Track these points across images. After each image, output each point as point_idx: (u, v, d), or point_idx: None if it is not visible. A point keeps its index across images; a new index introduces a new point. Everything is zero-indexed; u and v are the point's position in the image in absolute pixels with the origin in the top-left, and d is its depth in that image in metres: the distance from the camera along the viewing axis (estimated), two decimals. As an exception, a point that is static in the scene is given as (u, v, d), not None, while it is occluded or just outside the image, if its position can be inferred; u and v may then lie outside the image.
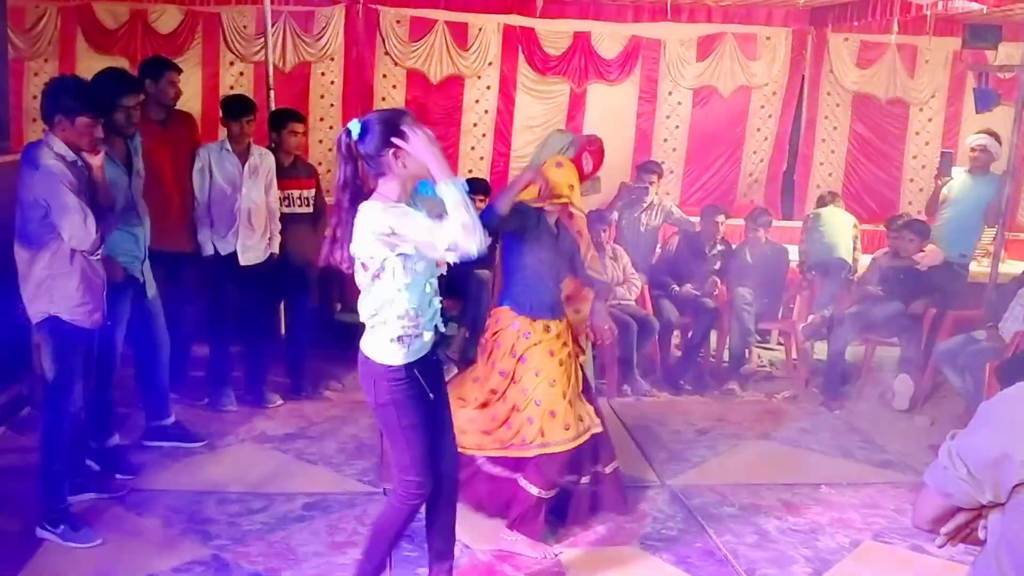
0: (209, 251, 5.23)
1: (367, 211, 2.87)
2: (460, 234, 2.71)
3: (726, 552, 3.97)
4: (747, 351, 6.49)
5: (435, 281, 3.05)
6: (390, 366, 2.99)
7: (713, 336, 6.71)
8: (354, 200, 2.92)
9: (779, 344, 7.44)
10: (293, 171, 5.56)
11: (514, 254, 3.94)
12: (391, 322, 2.95)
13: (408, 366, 3.00)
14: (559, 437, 3.80)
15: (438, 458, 3.15)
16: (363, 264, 2.93)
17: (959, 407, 5.78)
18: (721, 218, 6.73)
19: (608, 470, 4.11)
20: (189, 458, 4.71)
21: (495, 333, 3.97)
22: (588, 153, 4.28)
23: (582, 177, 4.13)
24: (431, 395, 3.06)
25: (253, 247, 5.29)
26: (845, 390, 6.22)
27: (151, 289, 4.55)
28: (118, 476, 4.34)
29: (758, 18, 8.58)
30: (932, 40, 8.19)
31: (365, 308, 3.00)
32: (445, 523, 3.32)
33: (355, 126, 2.89)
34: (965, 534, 1.72)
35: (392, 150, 2.86)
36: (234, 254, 5.24)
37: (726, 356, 6.61)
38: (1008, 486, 1.59)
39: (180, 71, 5.21)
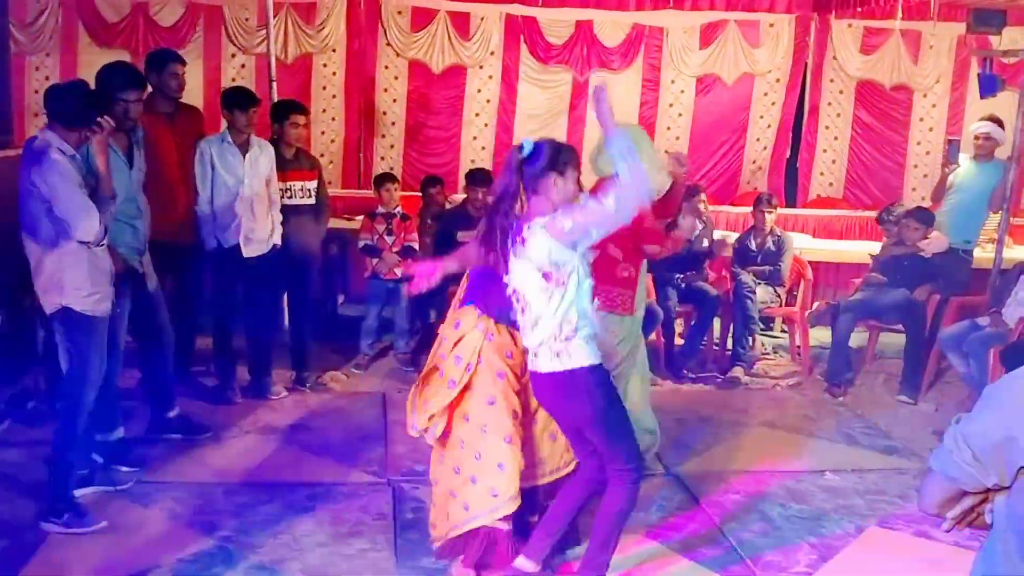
0: (212, 244, 5.23)
1: (552, 219, 3.04)
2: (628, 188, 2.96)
3: (731, 539, 3.97)
4: (750, 338, 6.48)
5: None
6: (594, 366, 3.13)
7: (717, 324, 6.70)
8: (509, 211, 3.09)
9: (783, 331, 7.43)
10: (295, 163, 5.54)
11: None
12: (579, 326, 3.08)
13: (601, 364, 3.18)
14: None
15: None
16: (546, 275, 3.05)
17: (963, 393, 5.78)
18: (702, 196, 6.69)
19: None
20: (194, 450, 4.71)
21: (458, 342, 3.48)
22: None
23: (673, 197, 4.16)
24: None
25: (256, 239, 5.28)
26: (849, 377, 6.21)
27: (151, 281, 4.56)
28: (123, 469, 4.34)
29: (761, 5, 8.55)
30: (936, 25, 8.13)
31: (548, 325, 3.09)
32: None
33: (528, 144, 3.11)
34: (972, 518, 1.72)
35: (555, 175, 3.08)
36: (237, 246, 5.23)
37: (729, 344, 6.60)
38: (1013, 468, 1.59)
39: (184, 63, 5.19)
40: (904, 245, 6.29)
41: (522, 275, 3.12)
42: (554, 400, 3.26)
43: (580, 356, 3.11)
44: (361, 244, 6.35)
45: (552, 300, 3.08)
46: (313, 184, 5.64)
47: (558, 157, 3.10)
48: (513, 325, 3.38)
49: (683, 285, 6.42)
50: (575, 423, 3.28)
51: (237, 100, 5.20)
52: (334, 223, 7.27)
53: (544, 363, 3.16)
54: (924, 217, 6.29)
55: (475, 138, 8.66)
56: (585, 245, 3.09)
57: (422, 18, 8.37)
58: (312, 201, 5.63)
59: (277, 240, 5.40)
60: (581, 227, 3.01)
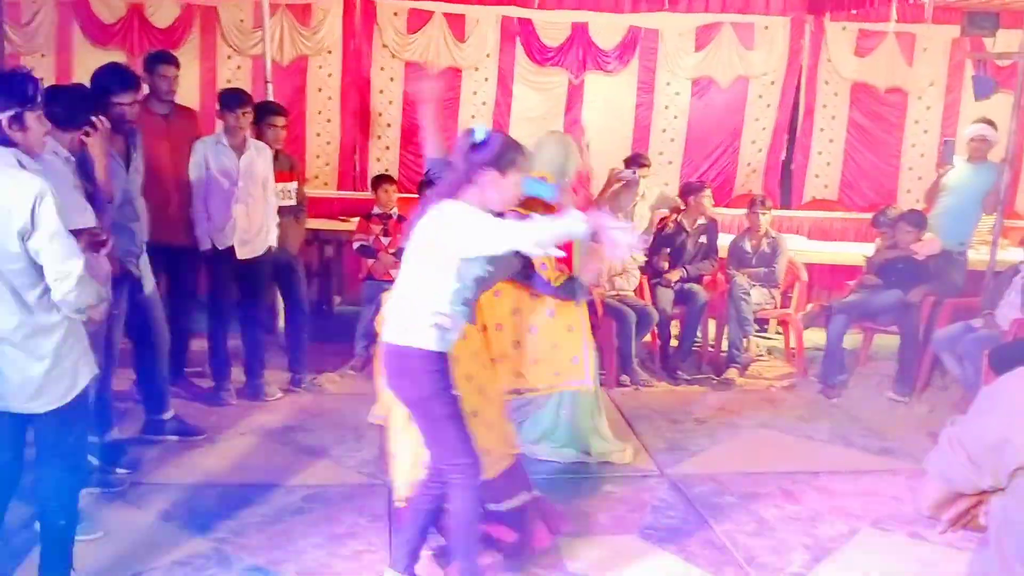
0: (206, 245, 5.22)
1: (456, 208, 2.99)
2: (526, 246, 2.95)
3: (725, 540, 3.97)
4: (745, 340, 6.49)
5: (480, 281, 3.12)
6: (431, 352, 3.05)
7: (712, 325, 6.71)
8: (452, 190, 3.05)
9: (778, 333, 7.45)
10: (275, 164, 5.51)
11: None
12: (433, 311, 3.03)
13: (443, 354, 3.08)
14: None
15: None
16: (426, 252, 3.03)
17: (957, 394, 5.79)
18: (707, 193, 6.68)
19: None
20: (189, 452, 4.71)
21: None
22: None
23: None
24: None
25: (250, 241, 5.27)
26: (843, 378, 6.23)
27: (148, 284, 4.55)
28: (118, 470, 4.33)
29: (756, 7, 8.57)
30: (930, 28, 8.17)
31: (404, 296, 3.08)
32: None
33: (480, 132, 3.05)
34: (967, 520, 1.72)
35: (496, 172, 3.00)
36: (232, 248, 5.23)
37: (724, 345, 6.61)
38: (1008, 470, 1.60)
39: (177, 64, 5.18)
40: (898, 248, 6.31)
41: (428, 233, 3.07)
42: (389, 372, 3.21)
43: (421, 338, 3.05)
44: (357, 245, 6.34)
45: (416, 275, 3.07)
46: (293, 185, 5.65)
47: (504, 155, 3.02)
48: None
49: (686, 272, 6.48)
50: (404, 402, 3.24)
51: (226, 101, 5.21)
52: (330, 224, 7.29)
53: (389, 333, 3.14)
54: (916, 220, 6.31)
55: (471, 140, 8.65)
56: (468, 254, 2.99)
57: (418, 20, 8.37)
58: (292, 202, 5.64)
59: (273, 242, 5.40)
60: (481, 234, 2.94)
